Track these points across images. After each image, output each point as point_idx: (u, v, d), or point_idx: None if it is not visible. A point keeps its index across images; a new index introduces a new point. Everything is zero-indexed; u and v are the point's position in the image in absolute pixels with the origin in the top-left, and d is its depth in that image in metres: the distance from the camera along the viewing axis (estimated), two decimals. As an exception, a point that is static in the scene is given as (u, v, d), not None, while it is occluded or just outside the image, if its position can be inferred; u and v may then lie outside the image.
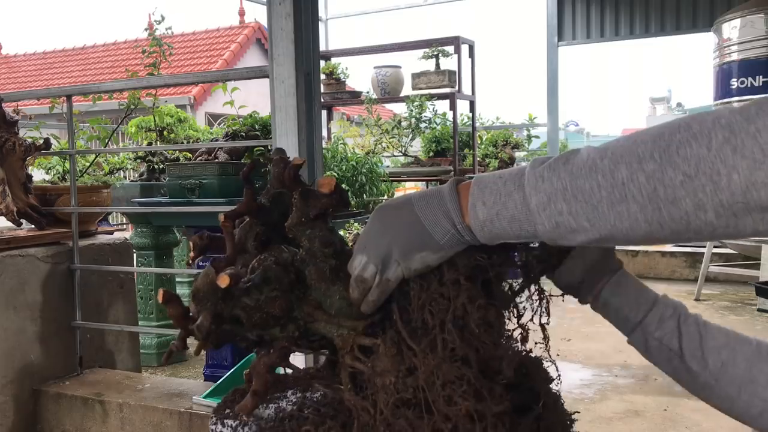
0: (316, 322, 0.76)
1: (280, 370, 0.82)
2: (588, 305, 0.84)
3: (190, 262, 0.88)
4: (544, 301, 0.80)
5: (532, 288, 0.79)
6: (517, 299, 0.78)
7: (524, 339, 0.78)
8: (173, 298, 0.75)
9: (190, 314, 0.76)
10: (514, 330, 0.77)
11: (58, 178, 3.36)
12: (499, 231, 0.65)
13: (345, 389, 0.74)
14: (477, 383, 0.65)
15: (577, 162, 0.61)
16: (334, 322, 0.75)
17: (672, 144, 0.56)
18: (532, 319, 0.79)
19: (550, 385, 0.76)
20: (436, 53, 5.45)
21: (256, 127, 3.14)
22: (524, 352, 0.77)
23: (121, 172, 4.50)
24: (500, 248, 0.70)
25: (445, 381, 0.65)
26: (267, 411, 0.83)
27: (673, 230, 0.58)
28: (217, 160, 3.01)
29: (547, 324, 0.81)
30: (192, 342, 0.78)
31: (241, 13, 14.60)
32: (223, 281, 0.72)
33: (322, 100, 5.19)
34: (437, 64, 5.50)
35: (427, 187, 7.14)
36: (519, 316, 0.78)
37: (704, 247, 5.58)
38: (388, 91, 5.70)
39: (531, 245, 0.77)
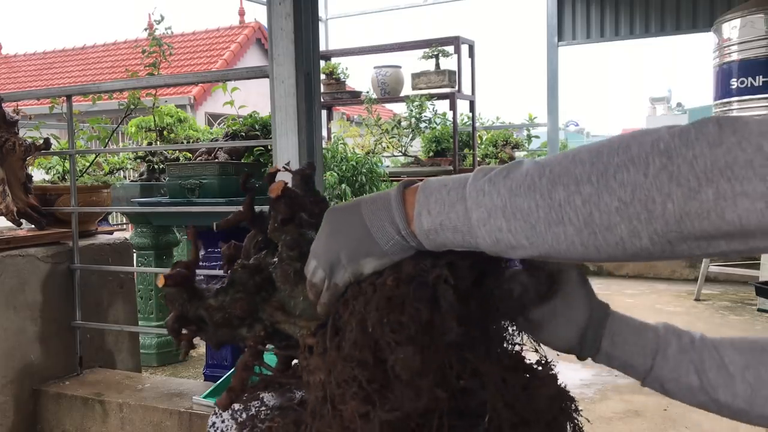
0: (280, 323, 0.78)
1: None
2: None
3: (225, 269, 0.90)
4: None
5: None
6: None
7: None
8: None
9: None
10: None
11: (58, 178, 3.37)
12: (443, 240, 0.64)
13: (304, 388, 0.75)
14: (369, 387, 0.63)
15: (516, 178, 0.60)
16: (293, 322, 0.77)
17: (610, 167, 0.55)
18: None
19: (541, 404, 0.70)
20: (436, 53, 5.45)
21: (256, 127, 3.14)
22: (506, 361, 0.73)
23: (121, 172, 4.50)
24: (461, 255, 0.68)
25: (339, 380, 0.65)
26: (277, 400, 0.84)
27: (610, 254, 0.57)
28: (217, 160, 3.01)
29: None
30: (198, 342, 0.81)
31: (241, 13, 14.61)
32: (159, 281, 0.77)
33: (322, 100, 5.19)
34: (437, 64, 5.50)
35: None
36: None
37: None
38: (388, 91, 5.70)
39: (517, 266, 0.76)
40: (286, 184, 0.78)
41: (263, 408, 0.82)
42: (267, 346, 0.81)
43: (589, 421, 0.77)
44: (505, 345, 0.74)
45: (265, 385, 0.86)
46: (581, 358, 0.80)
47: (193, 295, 0.78)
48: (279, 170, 0.83)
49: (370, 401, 0.63)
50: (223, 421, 0.83)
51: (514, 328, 0.77)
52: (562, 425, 0.72)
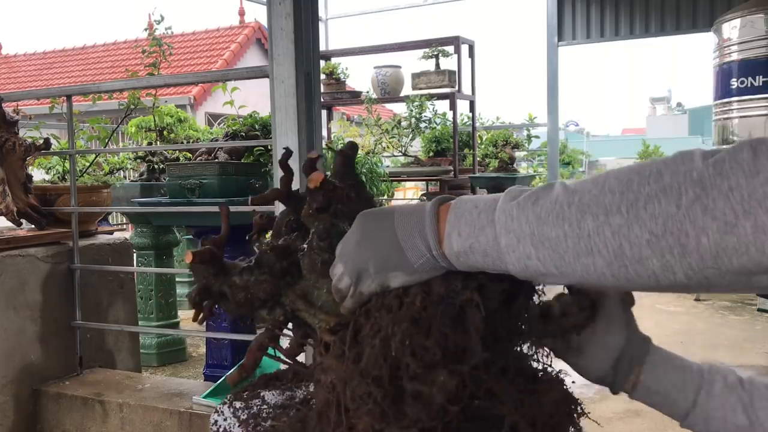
0: (300, 311, 0.78)
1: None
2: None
3: (252, 237, 0.90)
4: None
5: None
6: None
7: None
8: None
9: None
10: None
11: (58, 178, 3.37)
12: (473, 263, 0.63)
13: (315, 383, 0.76)
14: (384, 404, 0.63)
15: (545, 205, 0.58)
16: (313, 314, 0.77)
17: (640, 198, 0.53)
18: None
19: (547, 412, 0.70)
20: (436, 53, 5.45)
21: (256, 127, 3.13)
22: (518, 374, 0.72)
23: (121, 172, 4.50)
24: (492, 277, 0.67)
25: (354, 394, 0.64)
26: (278, 398, 0.84)
27: (643, 286, 0.55)
28: (217, 160, 3.00)
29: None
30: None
31: (241, 13, 14.60)
32: (187, 258, 0.77)
33: (322, 100, 5.19)
34: (437, 64, 5.50)
35: (427, 187, 7.14)
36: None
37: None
38: (388, 91, 5.70)
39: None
40: (326, 175, 0.77)
41: (264, 406, 0.82)
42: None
43: (598, 423, 0.77)
44: (522, 360, 0.74)
45: (265, 382, 0.86)
46: (614, 391, 0.78)
47: (219, 270, 0.78)
48: (319, 156, 0.82)
49: (385, 419, 0.63)
50: (225, 419, 0.83)
51: (546, 349, 0.75)
52: (565, 428, 0.72)
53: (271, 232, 0.88)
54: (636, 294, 0.77)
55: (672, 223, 0.51)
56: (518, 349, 0.73)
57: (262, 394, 0.85)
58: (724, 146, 0.53)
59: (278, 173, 0.88)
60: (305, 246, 0.80)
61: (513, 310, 0.70)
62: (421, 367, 0.63)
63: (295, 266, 0.79)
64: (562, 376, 0.74)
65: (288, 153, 0.88)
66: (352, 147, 0.86)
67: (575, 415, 0.73)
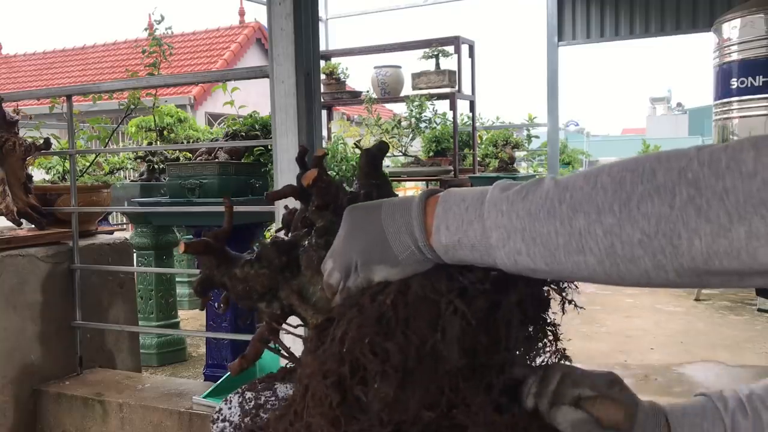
0: (294, 306, 0.79)
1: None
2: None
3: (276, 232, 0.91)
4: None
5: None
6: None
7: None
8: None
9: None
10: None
11: (58, 178, 3.37)
12: (461, 257, 0.62)
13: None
14: (337, 410, 0.62)
15: (535, 200, 0.57)
16: (305, 309, 0.78)
17: (633, 196, 0.52)
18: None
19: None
20: (436, 53, 5.45)
21: (256, 127, 3.13)
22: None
23: (121, 172, 4.50)
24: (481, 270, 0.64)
25: (313, 393, 0.64)
26: (289, 391, 0.84)
27: (635, 283, 0.54)
28: (217, 160, 3.00)
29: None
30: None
31: (241, 13, 14.60)
32: (180, 248, 0.78)
33: (322, 100, 5.19)
34: (437, 64, 5.50)
35: (427, 187, 7.15)
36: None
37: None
38: (388, 91, 5.70)
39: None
40: (318, 172, 0.77)
41: (273, 398, 0.83)
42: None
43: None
44: (503, 373, 0.68)
45: (282, 376, 0.87)
46: None
47: (222, 261, 0.80)
48: (325, 154, 0.82)
49: (336, 424, 0.61)
50: (230, 408, 0.84)
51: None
52: None
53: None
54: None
55: (665, 223, 0.50)
56: (503, 362, 0.68)
57: (276, 386, 0.85)
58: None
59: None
60: (306, 242, 0.81)
61: (497, 320, 0.66)
62: (379, 370, 0.61)
63: (294, 262, 0.80)
64: None
65: (304, 150, 0.88)
66: (381, 147, 0.86)
67: None
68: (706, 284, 0.53)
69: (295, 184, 0.83)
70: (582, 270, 0.55)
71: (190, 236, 4.57)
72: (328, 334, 0.68)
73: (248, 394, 0.84)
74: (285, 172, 2.03)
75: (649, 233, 0.51)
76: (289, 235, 0.85)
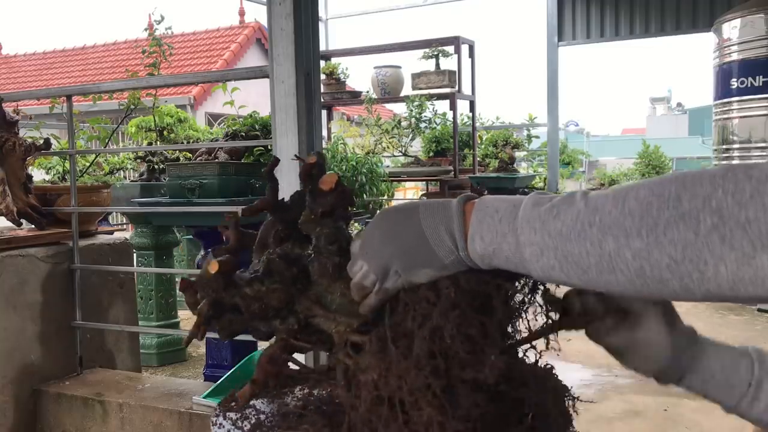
0: (316, 317, 0.77)
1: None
2: None
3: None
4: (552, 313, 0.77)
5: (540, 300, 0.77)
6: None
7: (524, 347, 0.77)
8: (190, 286, 0.76)
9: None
10: (520, 341, 0.76)
11: (58, 178, 3.37)
12: (496, 264, 0.65)
13: (339, 385, 0.75)
14: (443, 396, 0.64)
15: (566, 221, 0.59)
16: (332, 318, 0.76)
17: (659, 223, 0.53)
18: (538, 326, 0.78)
19: (550, 395, 0.73)
20: (436, 53, 5.46)
21: (256, 127, 3.13)
22: (522, 362, 0.76)
23: (121, 172, 4.50)
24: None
25: (412, 387, 0.65)
26: (270, 406, 0.83)
27: (666, 299, 0.57)
28: (217, 160, 3.00)
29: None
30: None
31: (241, 13, 14.60)
32: (213, 267, 0.75)
33: (322, 100, 5.19)
34: (437, 64, 5.50)
35: (427, 187, 7.14)
36: (529, 329, 0.77)
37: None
38: (388, 91, 5.71)
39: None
40: (339, 176, 0.77)
41: (262, 415, 0.81)
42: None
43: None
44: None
45: (253, 394, 0.84)
46: (663, 384, 0.79)
47: (228, 283, 0.77)
48: (317, 161, 0.81)
49: (443, 410, 0.64)
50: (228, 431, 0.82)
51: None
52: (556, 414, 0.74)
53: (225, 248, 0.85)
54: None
55: (691, 250, 0.52)
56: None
57: (251, 403, 0.84)
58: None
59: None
60: (310, 252, 0.79)
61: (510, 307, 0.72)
62: (469, 354, 0.65)
63: (303, 272, 0.79)
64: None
65: (275, 162, 0.87)
66: (311, 157, 0.86)
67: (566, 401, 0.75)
68: (737, 301, 0.55)
69: (295, 184, 0.83)
70: (614, 286, 0.58)
71: (190, 236, 4.57)
72: (381, 335, 0.69)
73: (232, 415, 0.82)
74: (285, 172, 2.03)
75: (676, 259, 0.53)
76: (269, 250, 0.82)
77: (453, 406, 0.64)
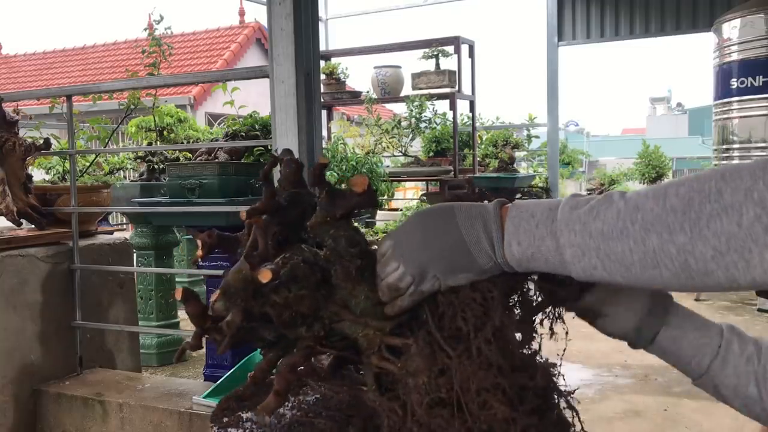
0: (342, 322, 0.76)
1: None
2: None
3: (198, 260, 0.86)
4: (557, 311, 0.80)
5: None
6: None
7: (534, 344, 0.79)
8: (192, 296, 0.73)
9: (209, 313, 0.75)
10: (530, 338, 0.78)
11: (58, 178, 3.37)
12: (534, 267, 0.67)
13: (369, 390, 0.73)
14: (510, 392, 0.66)
15: (608, 220, 0.61)
16: (361, 322, 0.75)
17: (702, 216, 0.55)
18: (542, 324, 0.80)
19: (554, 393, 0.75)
20: (436, 53, 5.45)
21: (256, 127, 3.13)
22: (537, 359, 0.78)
23: (121, 172, 4.50)
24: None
25: (480, 387, 0.66)
26: (265, 417, 0.81)
27: (710, 290, 0.61)
28: (217, 160, 3.00)
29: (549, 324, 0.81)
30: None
31: (241, 13, 14.59)
32: (265, 276, 0.71)
33: (322, 100, 5.19)
34: (437, 64, 5.50)
35: (427, 187, 7.14)
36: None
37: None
38: (388, 91, 5.70)
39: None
40: (370, 178, 0.77)
41: (267, 429, 0.80)
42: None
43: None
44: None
45: (236, 404, 0.82)
46: (635, 347, 0.81)
47: (256, 291, 0.73)
48: (327, 163, 0.81)
49: (515, 406, 0.66)
50: None
51: (573, 313, 0.81)
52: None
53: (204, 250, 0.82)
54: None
55: (735, 241, 0.54)
56: None
57: (243, 416, 0.81)
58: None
59: (278, 174, 0.86)
60: (327, 255, 0.77)
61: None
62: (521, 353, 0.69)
63: (324, 277, 0.77)
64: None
65: (273, 163, 0.85)
66: (323, 158, 0.84)
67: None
68: None
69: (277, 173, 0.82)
70: (657, 281, 0.60)
71: (190, 236, 4.57)
72: (427, 337, 0.70)
73: (232, 431, 0.80)
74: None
75: (721, 250, 0.55)
76: (285, 254, 0.79)
77: (521, 402, 0.66)
